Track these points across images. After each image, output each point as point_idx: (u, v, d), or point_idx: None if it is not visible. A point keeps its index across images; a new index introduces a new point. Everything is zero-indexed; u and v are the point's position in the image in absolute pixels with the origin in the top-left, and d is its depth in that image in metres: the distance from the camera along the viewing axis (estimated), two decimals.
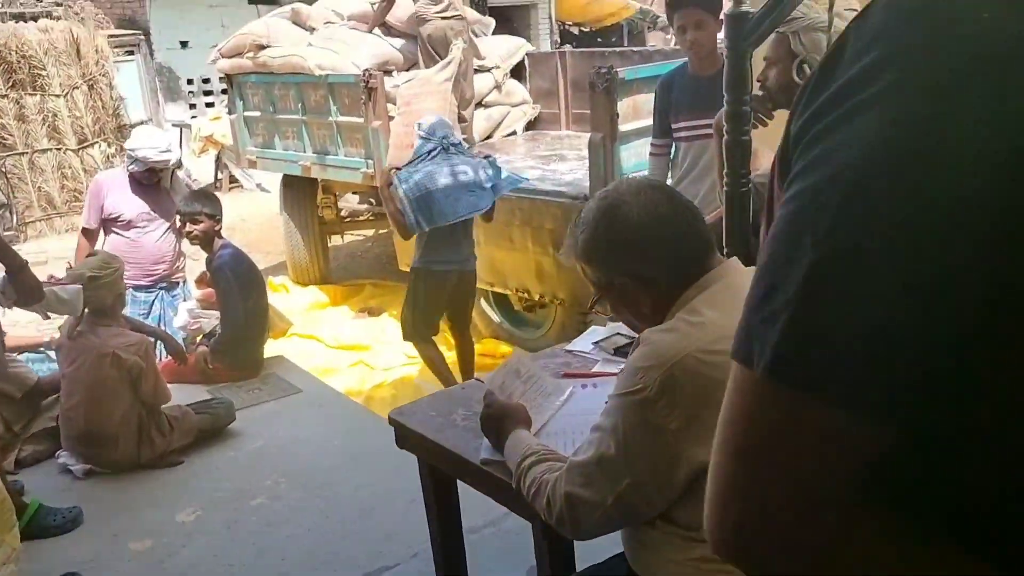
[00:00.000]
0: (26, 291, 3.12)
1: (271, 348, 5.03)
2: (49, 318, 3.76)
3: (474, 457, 1.85)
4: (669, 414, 1.34)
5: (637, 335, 1.50)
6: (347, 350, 5.90)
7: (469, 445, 1.90)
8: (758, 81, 2.32)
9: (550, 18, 12.32)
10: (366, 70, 5.58)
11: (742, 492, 0.56)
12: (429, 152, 4.16)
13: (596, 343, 2.34)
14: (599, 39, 13.06)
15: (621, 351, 2.26)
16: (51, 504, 3.24)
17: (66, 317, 3.78)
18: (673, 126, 3.53)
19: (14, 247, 3.56)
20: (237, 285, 4.55)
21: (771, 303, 0.55)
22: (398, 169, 4.22)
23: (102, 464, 3.62)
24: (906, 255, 0.50)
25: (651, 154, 3.74)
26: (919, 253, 0.50)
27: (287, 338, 5.56)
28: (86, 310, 3.62)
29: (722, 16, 3.43)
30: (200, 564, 2.98)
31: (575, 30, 13.11)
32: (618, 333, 2.37)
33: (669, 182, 3.67)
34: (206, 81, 12.04)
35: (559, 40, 12.68)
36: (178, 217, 4.65)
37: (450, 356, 4.72)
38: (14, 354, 4.06)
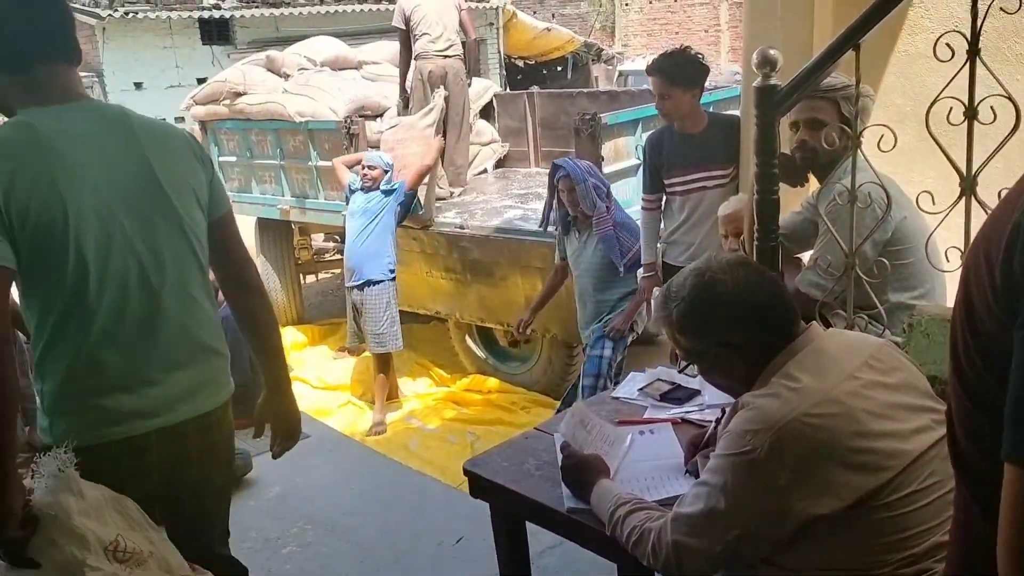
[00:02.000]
0: None
1: None
2: None
3: (558, 505, 2.00)
4: (778, 473, 1.47)
5: (734, 398, 1.67)
6: (333, 390, 5.96)
7: (550, 494, 2.04)
8: (798, 142, 2.54)
9: (499, 52, 12.56)
10: (347, 117, 5.72)
11: None
12: None
13: (641, 389, 2.51)
14: (544, 71, 13.34)
15: (667, 397, 2.44)
16: None
17: None
18: (666, 181, 3.78)
19: None
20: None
21: None
22: None
23: None
24: None
25: (643, 208, 3.96)
26: None
27: None
28: None
29: (706, 85, 3.72)
30: None
31: (520, 63, 13.37)
32: (659, 379, 2.54)
33: (662, 232, 3.91)
34: None
35: (505, 73, 12.92)
36: None
37: None
38: None
